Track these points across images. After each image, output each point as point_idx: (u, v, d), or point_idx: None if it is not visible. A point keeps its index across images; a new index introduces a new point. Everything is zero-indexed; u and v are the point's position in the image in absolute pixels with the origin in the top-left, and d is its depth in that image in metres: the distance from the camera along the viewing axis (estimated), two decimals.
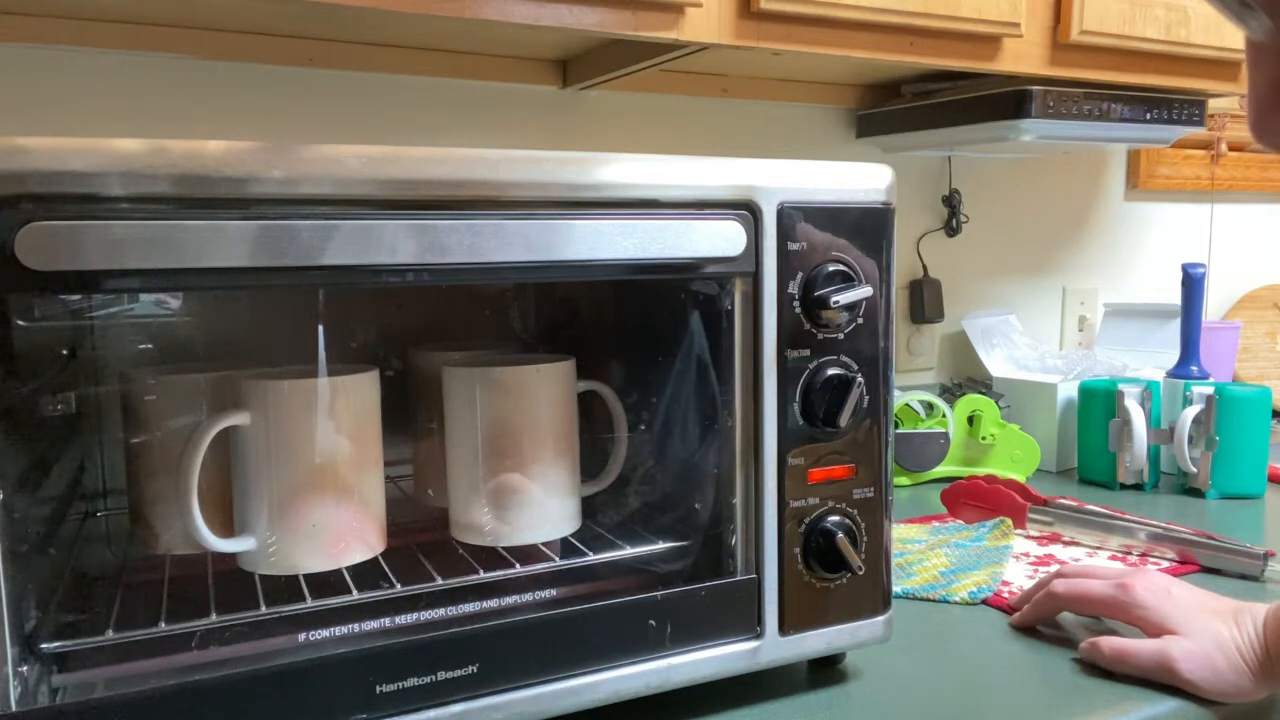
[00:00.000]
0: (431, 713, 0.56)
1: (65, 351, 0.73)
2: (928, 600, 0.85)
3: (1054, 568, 0.88)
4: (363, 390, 0.65)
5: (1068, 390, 1.29)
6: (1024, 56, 1.12)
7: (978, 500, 1.06)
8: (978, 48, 1.09)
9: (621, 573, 0.69)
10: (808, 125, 1.37)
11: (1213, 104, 1.32)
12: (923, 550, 0.96)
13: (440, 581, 0.64)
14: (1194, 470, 1.17)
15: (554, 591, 0.66)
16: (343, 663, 0.54)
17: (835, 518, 0.66)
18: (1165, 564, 0.93)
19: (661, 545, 0.71)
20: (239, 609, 0.59)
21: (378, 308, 0.84)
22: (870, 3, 0.99)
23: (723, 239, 0.61)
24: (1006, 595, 0.85)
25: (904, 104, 1.31)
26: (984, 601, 0.84)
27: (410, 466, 0.83)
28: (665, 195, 0.60)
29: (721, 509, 0.66)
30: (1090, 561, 0.95)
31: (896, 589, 0.86)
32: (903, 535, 1.01)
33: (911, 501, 1.16)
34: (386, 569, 0.65)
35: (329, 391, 0.63)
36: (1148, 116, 1.24)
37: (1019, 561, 0.94)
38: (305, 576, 0.63)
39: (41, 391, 0.66)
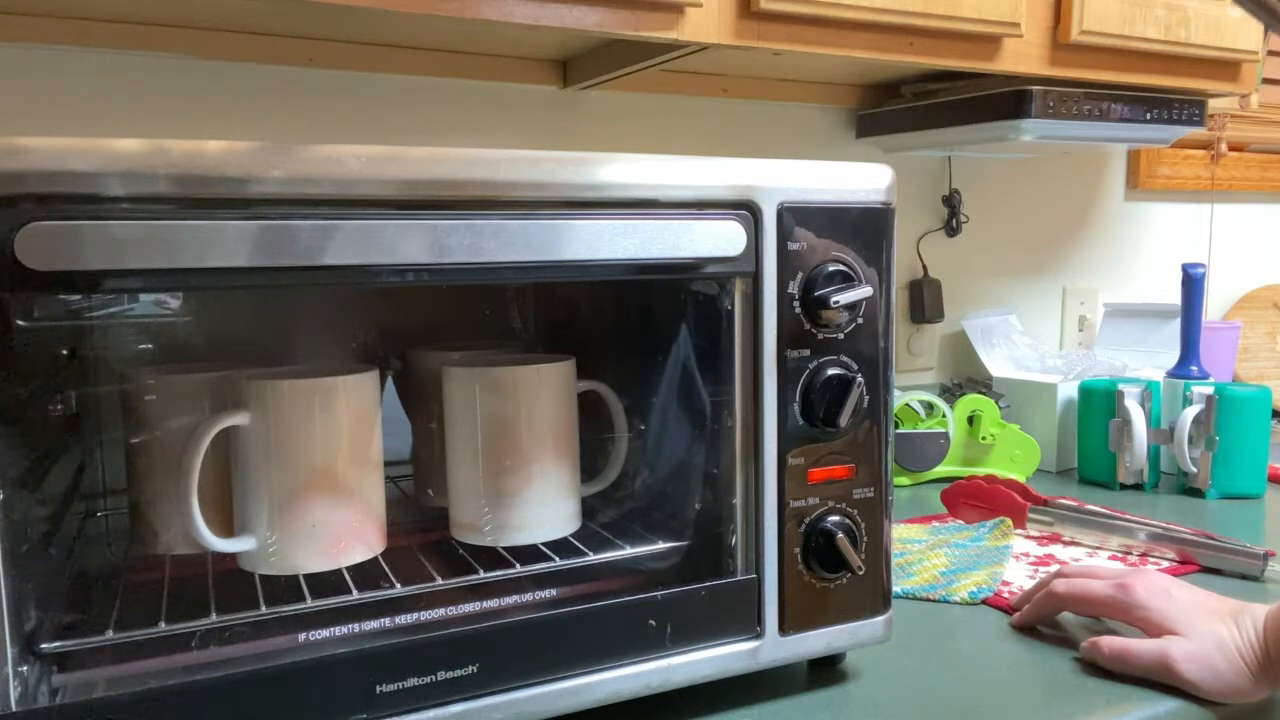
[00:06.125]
0: (431, 713, 0.56)
1: (65, 351, 0.73)
2: (928, 600, 0.85)
3: (1054, 568, 0.88)
4: (363, 390, 0.65)
5: (1068, 390, 1.29)
6: (1024, 56, 1.12)
7: (978, 500, 1.06)
8: (978, 48, 1.09)
9: (621, 573, 0.69)
10: (808, 125, 1.37)
11: (1213, 104, 1.31)
12: (923, 550, 0.96)
13: (440, 581, 0.64)
14: (1194, 470, 1.17)
15: (554, 591, 0.66)
16: (343, 663, 0.54)
17: (835, 518, 0.66)
18: (1165, 564, 0.93)
19: (661, 545, 0.71)
20: (239, 609, 0.59)
21: (378, 308, 0.84)
22: (870, 3, 0.99)
23: (723, 239, 0.61)
24: (1006, 595, 0.85)
25: (904, 104, 1.31)
26: (984, 601, 0.84)
27: (410, 466, 0.83)
28: (665, 195, 0.60)
29: (721, 509, 0.66)
30: (1090, 561, 0.95)
31: (896, 589, 0.86)
32: (903, 535, 1.01)
33: (911, 501, 1.16)
34: (386, 569, 0.65)
35: (329, 391, 0.63)
36: (1148, 116, 1.24)
37: (1019, 561, 0.94)
38: (305, 576, 0.63)
39: (41, 391, 0.66)
